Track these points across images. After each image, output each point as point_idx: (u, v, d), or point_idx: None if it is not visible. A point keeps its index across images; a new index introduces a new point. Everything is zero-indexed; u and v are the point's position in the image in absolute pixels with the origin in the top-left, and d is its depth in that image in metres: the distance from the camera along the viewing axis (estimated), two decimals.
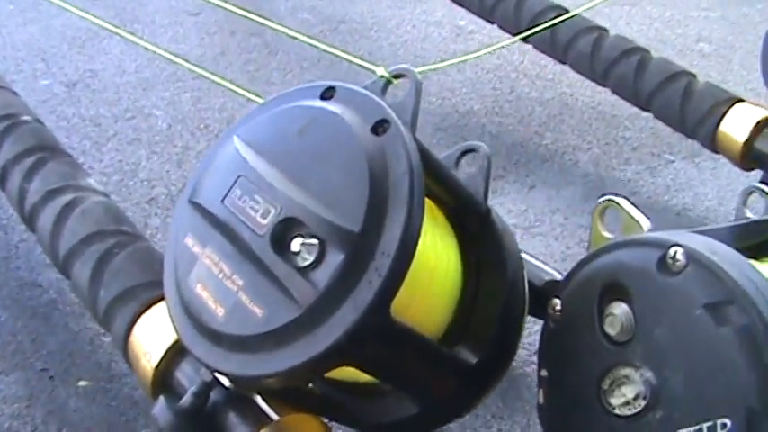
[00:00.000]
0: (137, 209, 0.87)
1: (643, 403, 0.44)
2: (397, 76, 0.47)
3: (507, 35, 1.08)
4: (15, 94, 0.81)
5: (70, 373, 0.66)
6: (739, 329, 0.42)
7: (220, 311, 0.45)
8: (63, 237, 0.62)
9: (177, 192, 0.89)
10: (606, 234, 0.51)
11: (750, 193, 0.58)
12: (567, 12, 1.05)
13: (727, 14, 1.54)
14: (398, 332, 0.44)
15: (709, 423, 0.42)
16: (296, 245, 0.43)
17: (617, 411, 0.45)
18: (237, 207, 0.46)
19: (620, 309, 0.46)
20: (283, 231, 0.44)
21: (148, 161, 0.96)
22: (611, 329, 0.46)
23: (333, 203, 0.43)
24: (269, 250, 0.44)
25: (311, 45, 0.95)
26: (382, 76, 0.47)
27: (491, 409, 0.62)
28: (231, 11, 0.91)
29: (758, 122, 0.88)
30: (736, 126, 0.89)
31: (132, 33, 1.29)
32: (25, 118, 0.74)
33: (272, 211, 0.45)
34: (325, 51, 1.18)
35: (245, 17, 0.95)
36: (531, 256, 0.61)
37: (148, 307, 0.56)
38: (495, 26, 1.13)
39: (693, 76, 0.94)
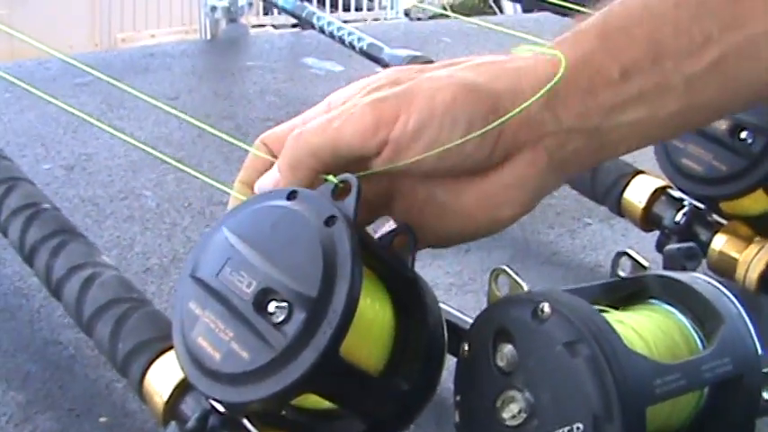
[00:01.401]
0: (135, 278, 0.98)
1: (524, 416, 0.56)
2: (343, 182, 0.62)
3: None
4: (33, 183, 0.95)
5: (92, 411, 0.79)
6: (586, 359, 0.54)
7: (217, 356, 0.57)
8: (86, 304, 0.75)
9: (168, 262, 1.03)
10: (498, 293, 0.66)
11: (620, 257, 0.72)
12: None
13: None
14: (346, 367, 0.57)
15: (569, 426, 0.54)
16: (272, 307, 0.56)
17: (507, 423, 0.57)
18: (228, 280, 0.58)
19: (507, 348, 0.58)
20: (262, 297, 0.56)
21: (142, 236, 1.09)
22: (501, 363, 0.58)
23: (297, 277, 0.56)
24: (252, 311, 0.56)
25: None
26: (332, 182, 0.62)
27: (425, 430, 0.76)
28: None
29: (655, 191, 1.02)
30: (636, 194, 1.03)
31: (119, 119, 1.45)
32: (45, 206, 0.87)
33: (254, 284, 0.57)
34: None
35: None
36: (459, 310, 0.75)
37: (158, 356, 0.69)
38: None
39: None
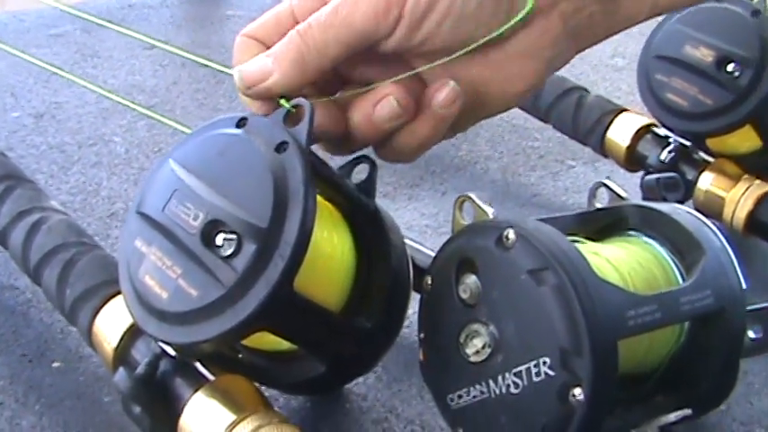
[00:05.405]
0: (99, 223, 0.97)
1: (489, 351, 0.55)
2: (295, 106, 0.59)
3: None
4: None
5: (45, 356, 0.76)
6: (553, 288, 0.52)
7: (165, 295, 0.55)
8: (33, 250, 0.73)
9: None
10: (463, 222, 0.63)
11: (597, 188, 0.69)
12: None
13: (644, 29, 1.65)
14: (300, 302, 0.55)
15: (535, 361, 0.52)
16: (219, 239, 0.54)
17: (471, 359, 0.55)
18: (174, 213, 0.56)
19: (470, 279, 0.56)
20: (210, 230, 0.54)
21: (109, 181, 1.06)
22: (465, 295, 0.56)
23: (246, 206, 0.54)
24: (199, 245, 0.54)
25: None
26: (285, 107, 0.59)
27: (393, 373, 0.74)
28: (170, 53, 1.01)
29: (639, 129, 0.99)
30: (620, 133, 1.00)
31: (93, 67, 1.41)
32: None
33: (201, 216, 0.55)
34: None
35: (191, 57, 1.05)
36: (427, 248, 0.72)
37: (107, 301, 0.66)
38: None
39: (586, 90, 1.06)
